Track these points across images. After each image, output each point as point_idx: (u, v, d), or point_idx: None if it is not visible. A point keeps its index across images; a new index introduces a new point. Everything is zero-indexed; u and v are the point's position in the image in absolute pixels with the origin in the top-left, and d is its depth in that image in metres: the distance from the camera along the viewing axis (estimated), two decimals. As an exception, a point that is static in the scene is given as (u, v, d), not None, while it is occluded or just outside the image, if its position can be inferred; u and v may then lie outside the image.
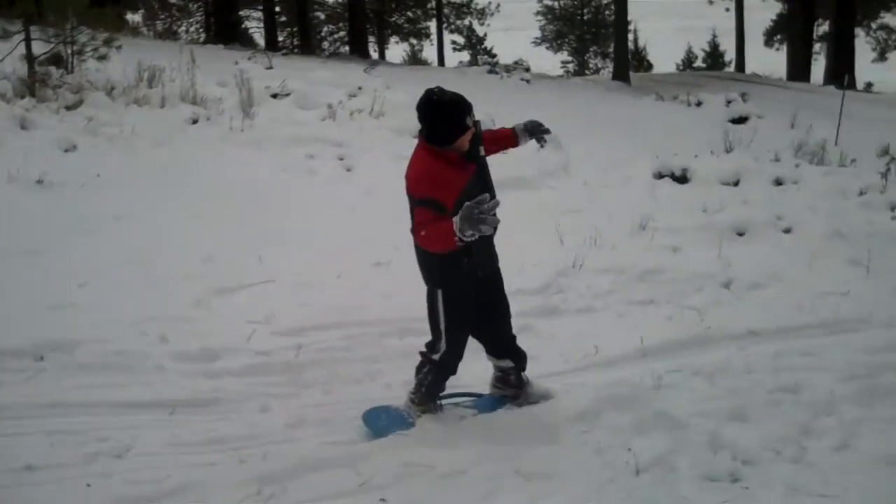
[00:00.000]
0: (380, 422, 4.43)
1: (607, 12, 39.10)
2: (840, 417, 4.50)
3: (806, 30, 30.17)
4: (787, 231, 7.84)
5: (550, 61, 41.15)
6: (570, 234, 7.60)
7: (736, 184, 9.15)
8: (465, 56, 40.82)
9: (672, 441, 4.27)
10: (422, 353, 4.53)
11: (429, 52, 40.33)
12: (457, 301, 4.31)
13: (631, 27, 38.57)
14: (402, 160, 4.52)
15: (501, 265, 4.55)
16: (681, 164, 9.58)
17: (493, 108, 11.95)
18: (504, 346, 4.66)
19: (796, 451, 4.23)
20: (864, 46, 36.44)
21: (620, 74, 28.53)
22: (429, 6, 37.75)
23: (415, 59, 41.69)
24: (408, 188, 4.19)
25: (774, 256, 7.15)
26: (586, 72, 40.80)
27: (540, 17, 43.05)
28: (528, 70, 28.27)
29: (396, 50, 42.00)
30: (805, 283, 6.49)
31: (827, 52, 32.63)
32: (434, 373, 4.48)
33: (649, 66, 43.90)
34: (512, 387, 4.73)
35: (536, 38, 43.16)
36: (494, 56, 39.92)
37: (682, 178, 9.46)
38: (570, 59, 43.04)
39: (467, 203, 3.81)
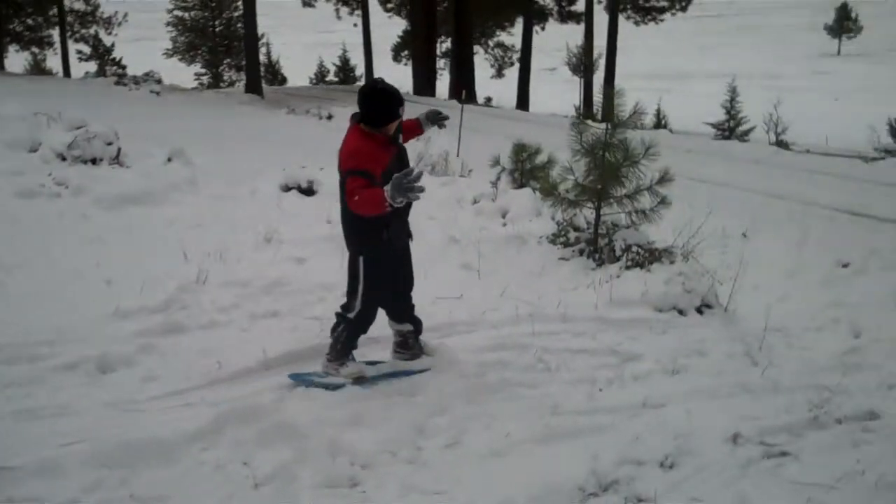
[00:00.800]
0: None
1: (238, 24, 38.82)
2: (452, 415, 4.81)
3: (428, 47, 32.19)
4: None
5: (185, 73, 39.97)
6: (194, 249, 7.40)
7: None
8: (92, 66, 38.36)
9: (293, 451, 4.29)
10: (337, 314, 5.13)
11: (53, 61, 37.47)
12: (374, 266, 4.94)
13: (263, 40, 38.69)
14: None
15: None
16: (307, 177, 9.71)
17: (120, 121, 11.36)
18: (406, 313, 5.28)
19: (411, 452, 4.45)
20: (483, 63, 39.83)
21: (253, 87, 28.44)
22: (51, 13, 35.09)
23: (38, 69, 38.56)
24: (341, 163, 4.71)
25: (395, 265, 7.45)
26: (221, 84, 40.17)
27: (171, 29, 41.64)
28: (159, 82, 27.21)
29: (17, 59, 38.60)
30: (422, 289, 6.80)
31: (450, 68, 35.23)
32: (348, 330, 5.08)
33: (284, 80, 44.31)
34: (410, 349, 5.37)
35: (168, 49, 41.68)
36: (124, 67, 38.05)
37: (308, 191, 9.59)
38: (203, 71, 42.08)
39: (397, 174, 4.38)
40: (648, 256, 7.33)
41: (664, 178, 7.28)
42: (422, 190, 4.40)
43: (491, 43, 41.51)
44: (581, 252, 7.73)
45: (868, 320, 6.64)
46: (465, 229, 8.50)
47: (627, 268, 7.23)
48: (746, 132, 26.85)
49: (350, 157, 4.66)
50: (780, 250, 8.59)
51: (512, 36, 39.75)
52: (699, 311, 6.76)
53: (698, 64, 64.21)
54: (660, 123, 27.57)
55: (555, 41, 43.47)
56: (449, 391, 5.05)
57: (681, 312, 6.67)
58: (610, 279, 7.07)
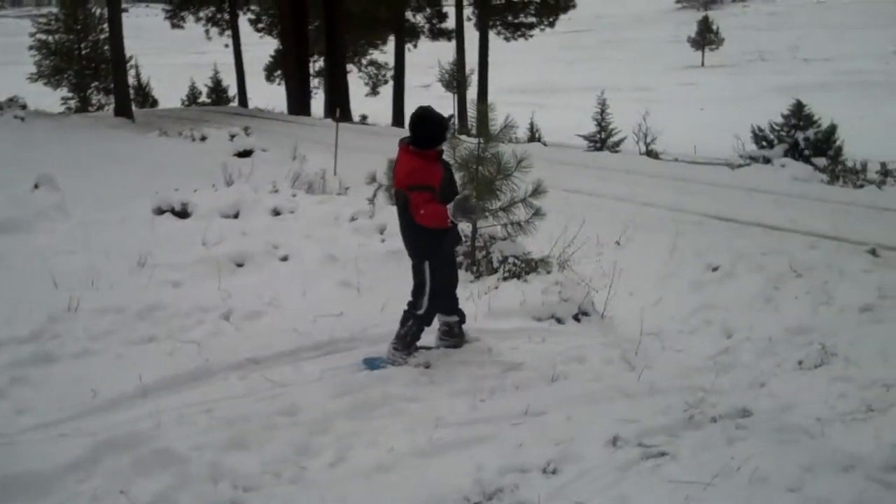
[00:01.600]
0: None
1: (105, 47, 37.62)
2: (335, 433, 4.80)
3: (301, 66, 31.92)
4: (285, 259, 8.13)
5: (51, 97, 38.42)
6: (64, 277, 7.12)
7: (236, 216, 9.29)
8: (-49, 92, 36.25)
9: (173, 477, 4.20)
10: (406, 312, 5.90)
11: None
12: (437, 269, 5.75)
13: (132, 62, 37.55)
14: None
15: None
16: (181, 199, 9.50)
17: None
18: (454, 306, 6.05)
19: (295, 472, 4.41)
20: (357, 81, 39.82)
21: (123, 110, 27.61)
22: None
23: None
24: (399, 181, 5.56)
25: (272, 284, 7.40)
26: (89, 108, 38.77)
27: (34, 53, 39.96)
28: (23, 107, 26.12)
29: None
30: (301, 308, 6.80)
31: (324, 87, 35.06)
32: (417, 324, 5.89)
33: (155, 102, 43.15)
34: (454, 336, 6.16)
35: (32, 73, 39.96)
36: (-13, 92, 36.23)
37: (182, 213, 9.39)
38: (70, 95, 40.52)
39: (458, 197, 5.55)
40: (525, 267, 7.49)
41: (537, 190, 7.45)
42: (482, 210, 5.93)
43: (364, 61, 41.53)
44: (459, 265, 7.83)
45: (738, 321, 6.95)
46: (344, 247, 8.48)
47: (505, 279, 7.37)
48: (617, 143, 27.72)
49: (409, 175, 5.47)
50: (652, 256, 8.90)
51: (385, 54, 39.86)
52: (576, 318, 6.95)
53: (569, 78, 65.95)
54: (533, 137, 28.17)
55: (428, 58, 43.95)
56: (332, 409, 5.04)
57: (559, 321, 6.85)
58: (489, 291, 7.19)
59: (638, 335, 6.52)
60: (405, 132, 5.67)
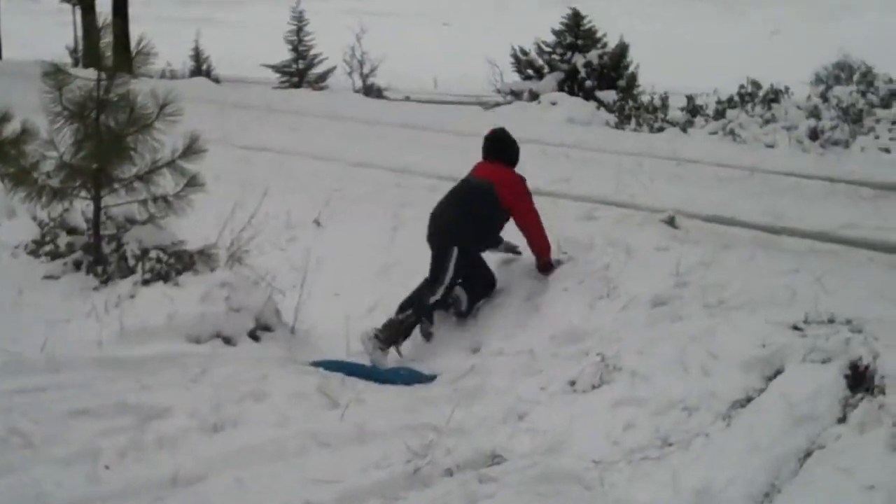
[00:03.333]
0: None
1: None
2: None
3: None
4: None
5: None
6: None
7: None
8: None
9: None
10: (413, 300, 7.73)
11: None
12: (463, 262, 7.86)
13: None
14: None
15: None
16: None
17: None
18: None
19: None
20: None
21: None
22: None
23: None
24: (503, 180, 8.12)
25: None
26: None
27: None
28: None
29: None
30: None
31: None
32: (416, 314, 7.73)
33: None
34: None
35: None
36: None
37: None
38: None
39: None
40: (176, 264, 7.41)
41: (192, 149, 7.39)
42: None
43: None
44: (77, 265, 7.62)
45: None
46: None
47: (146, 282, 7.24)
48: (323, 76, 28.12)
49: (518, 178, 8.18)
50: (366, 240, 9.10)
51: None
52: (254, 336, 6.97)
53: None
54: (199, 68, 27.93)
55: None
56: None
57: (227, 341, 6.83)
58: (120, 301, 7.05)
59: (345, 355, 6.62)
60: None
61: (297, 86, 26.13)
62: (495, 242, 8.30)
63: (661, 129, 18.25)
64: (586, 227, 8.97)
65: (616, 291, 7.47)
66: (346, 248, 8.84)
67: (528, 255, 8.20)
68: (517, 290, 8.02)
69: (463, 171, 8.01)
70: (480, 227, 8.06)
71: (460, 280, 7.95)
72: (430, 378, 7.10)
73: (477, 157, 8.25)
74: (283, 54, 28.31)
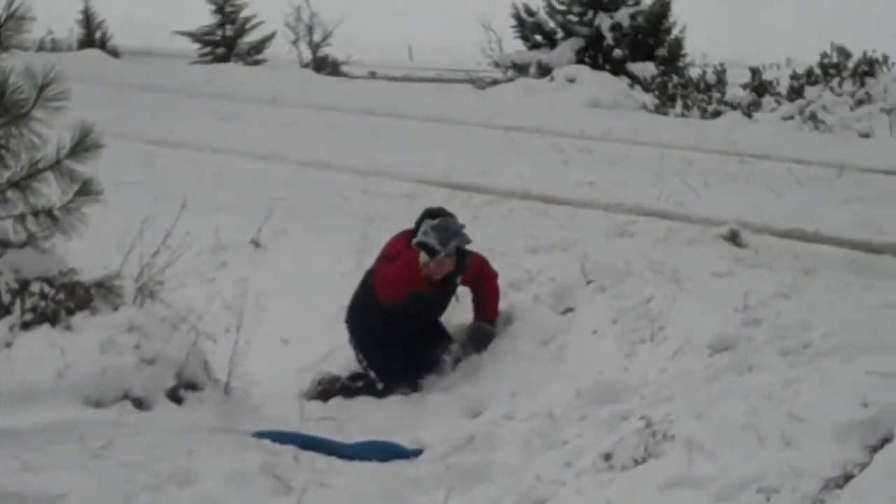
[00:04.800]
0: None
1: None
2: None
3: None
4: None
5: None
6: None
7: None
8: None
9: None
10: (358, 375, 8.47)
11: None
12: None
13: None
14: None
15: None
16: None
17: None
18: None
19: None
20: None
21: None
22: None
23: None
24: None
25: None
26: None
27: None
28: None
29: None
30: None
31: None
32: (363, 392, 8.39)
33: None
34: None
35: None
36: None
37: None
38: None
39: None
40: (67, 300, 7.39)
41: (84, 145, 7.38)
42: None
43: None
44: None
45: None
46: None
47: (26, 325, 7.23)
48: (258, 46, 28.16)
49: (477, 258, 8.55)
50: (323, 265, 9.11)
51: None
52: (175, 397, 6.96)
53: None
54: (91, 38, 27.97)
55: None
56: None
57: (139, 404, 6.81)
58: (-10, 351, 7.04)
59: (298, 422, 6.62)
60: None
61: (225, 59, 26.12)
62: None
63: (716, 114, 18.29)
64: (620, 246, 9.01)
65: (662, 333, 7.50)
66: (296, 278, 8.86)
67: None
68: (530, 331, 8.03)
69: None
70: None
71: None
72: (414, 453, 7.09)
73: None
74: (205, 17, 28.31)
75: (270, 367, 7.52)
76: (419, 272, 8.21)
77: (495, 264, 8.58)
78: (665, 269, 8.15)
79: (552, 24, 24.59)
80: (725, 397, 6.48)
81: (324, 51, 25.99)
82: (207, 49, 27.68)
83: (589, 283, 8.22)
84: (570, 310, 8.15)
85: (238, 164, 12.29)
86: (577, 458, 6.52)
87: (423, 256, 8.18)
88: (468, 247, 8.34)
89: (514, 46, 24.77)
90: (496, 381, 7.71)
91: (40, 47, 25.01)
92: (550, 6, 24.63)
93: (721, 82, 20.15)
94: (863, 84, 18.73)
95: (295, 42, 26.39)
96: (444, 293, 8.58)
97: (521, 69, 23.29)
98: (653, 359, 7.22)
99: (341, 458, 6.81)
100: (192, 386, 7.08)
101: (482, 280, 8.65)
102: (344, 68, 24.19)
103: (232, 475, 6.21)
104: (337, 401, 7.94)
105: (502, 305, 8.43)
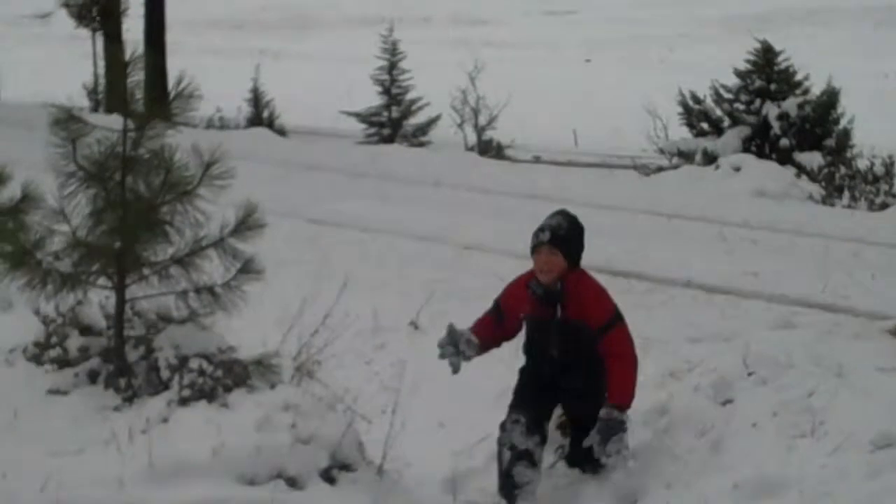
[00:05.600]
0: None
1: None
2: None
3: None
4: None
5: None
6: None
7: None
8: None
9: None
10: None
11: None
12: None
13: None
14: None
15: None
16: None
17: None
18: None
19: None
20: None
21: None
22: None
23: None
24: (590, 313, 7.67)
25: None
26: None
27: None
28: None
29: None
30: None
31: None
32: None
33: None
34: None
35: None
36: None
37: None
38: None
39: None
40: (224, 378, 7.45)
41: (247, 223, 7.44)
42: None
43: None
44: (93, 376, 7.70)
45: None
46: None
47: (184, 402, 7.29)
48: (423, 128, 28.32)
49: (605, 300, 7.82)
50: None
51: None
52: (328, 477, 6.97)
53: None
54: (259, 116, 28.35)
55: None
56: None
57: (292, 483, 6.83)
58: (149, 427, 7.10)
59: (452, 504, 6.61)
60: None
61: (390, 140, 26.33)
62: None
63: (884, 206, 18.07)
64: (782, 338, 8.88)
65: (823, 428, 7.38)
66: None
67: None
68: (687, 421, 7.94)
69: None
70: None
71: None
72: None
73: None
74: (371, 98, 28.50)
75: (425, 449, 7.51)
76: (526, 288, 7.82)
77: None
78: (828, 362, 8.03)
79: (719, 112, 24.54)
80: (887, 494, 6.37)
81: (488, 133, 26.11)
82: (373, 130, 27.89)
83: (750, 374, 8.12)
84: (729, 401, 8.05)
85: (400, 245, 12.34)
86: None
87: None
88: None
89: (680, 133, 24.71)
90: (652, 471, 7.63)
91: (209, 125, 25.50)
92: (717, 94, 24.59)
93: (889, 174, 19.94)
94: None
95: (460, 125, 26.46)
96: (554, 322, 7.69)
97: (686, 156, 23.23)
98: (813, 454, 7.11)
99: None
100: (345, 467, 7.08)
101: (610, 341, 7.70)
102: (508, 152, 24.30)
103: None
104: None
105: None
